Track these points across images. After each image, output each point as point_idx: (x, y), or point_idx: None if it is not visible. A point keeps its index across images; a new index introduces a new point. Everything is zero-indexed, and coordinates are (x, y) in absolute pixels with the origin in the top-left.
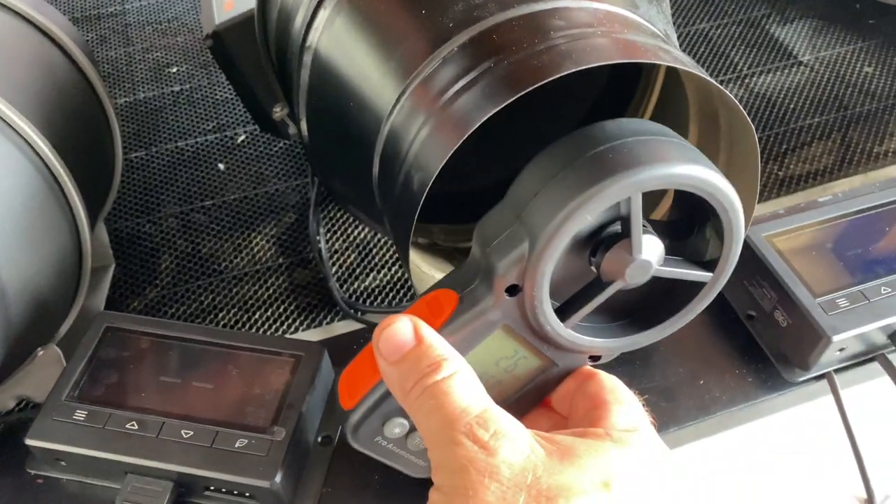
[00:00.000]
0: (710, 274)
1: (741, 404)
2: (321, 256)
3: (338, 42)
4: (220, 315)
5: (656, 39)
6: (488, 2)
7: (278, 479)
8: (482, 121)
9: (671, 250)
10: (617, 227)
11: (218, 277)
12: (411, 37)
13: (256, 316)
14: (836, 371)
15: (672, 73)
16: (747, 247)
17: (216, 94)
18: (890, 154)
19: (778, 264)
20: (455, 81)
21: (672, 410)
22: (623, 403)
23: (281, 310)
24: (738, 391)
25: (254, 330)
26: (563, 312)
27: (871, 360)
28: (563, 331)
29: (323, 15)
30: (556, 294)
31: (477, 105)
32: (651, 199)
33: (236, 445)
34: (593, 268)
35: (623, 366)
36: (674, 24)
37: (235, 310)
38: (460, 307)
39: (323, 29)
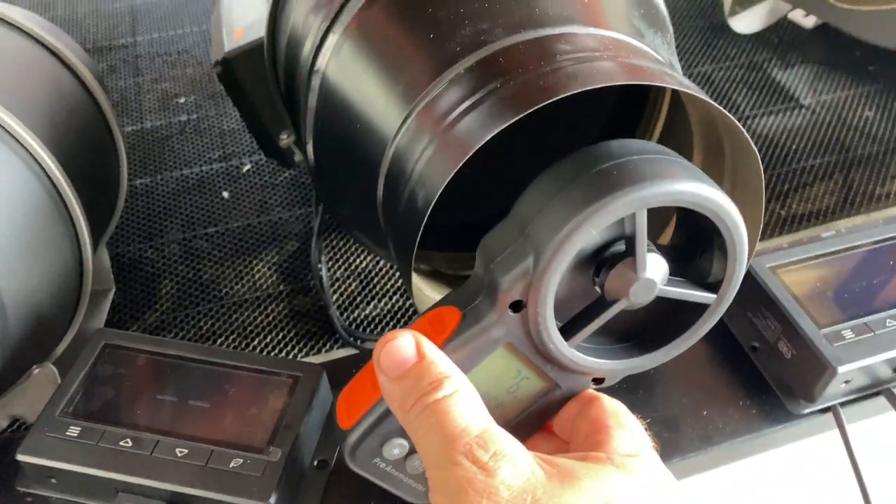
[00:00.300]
0: (714, 295)
1: (745, 436)
2: (322, 284)
3: (346, 66)
4: (220, 341)
5: (661, 66)
6: (495, 27)
7: (273, 500)
8: (486, 139)
9: (675, 273)
10: (621, 246)
11: (218, 303)
12: (418, 60)
13: (256, 342)
14: (842, 404)
15: (676, 103)
16: (751, 278)
17: (223, 125)
18: (892, 195)
19: (782, 295)
20: (460, 102)
21: (675, 441)
22: (626, 428)
23: (280, 336)
24: (742, 423)
25: None
26: (567, 331)
27: (877, 394)
28: (567, 350)
29: (332, 40)
30: (559, 313)
31: (481, 124)
32: (655, 224)
33: (231, 465)
34: (597, 287)
35: (626, 395)
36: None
37: (235, 336)
38: (463, 324)
39: (331, 54)
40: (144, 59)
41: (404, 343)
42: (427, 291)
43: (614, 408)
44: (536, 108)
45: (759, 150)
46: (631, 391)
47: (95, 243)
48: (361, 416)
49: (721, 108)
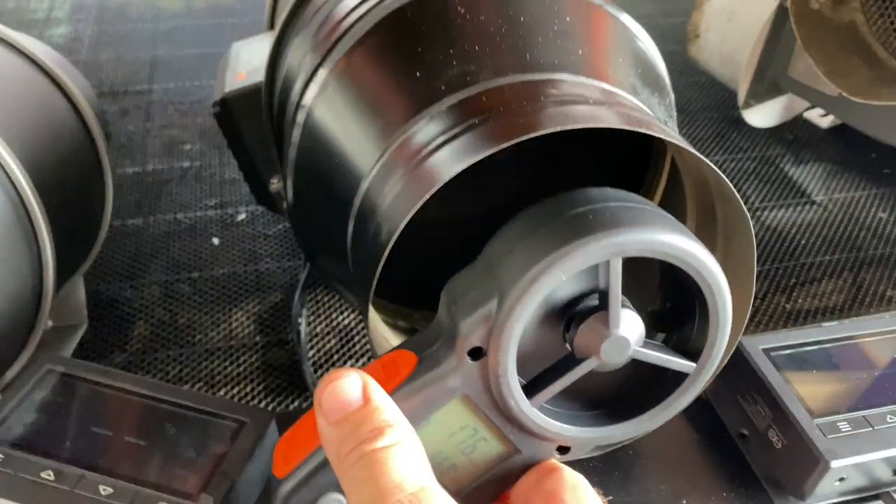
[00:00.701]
0: (693, 364)
1: None
2: (299, 338)
3: (331, 102)
4: (184, 388)
5: (651, 118)
6: (483, 69)
7: None
8: (457, 171)
9: (654, 339)
10: (595, 300)
11: (190, 349)
12: (402, 98)
13: (222, 392)
14: None
15: (675, 172)
16: (743, 359)
17: (224, 174)
18: None
19: (775, 379)
20: (436, 138)
21: None
22: None
23: (249, 389)
24: None
25: None
26: (531, 389)
27: (876, 497)
28: (529, 409)
29: (321, 75)
30: (525, 369)
31: (453, 157)
32: (641, 289)
33: None
34: (567, 343)
35: (599, 475)
36: None
37: (201, 384)
38: (417, 370)
39: (319, 89)
40: (157, 106)
41: (350, 384)
42: (387, 336)
43: (574, 481)
44: (513, 143)
45: (767, 242)
46: (605, 471)
47: (66, 271)
48: (298, 464)
49: (713, 166)
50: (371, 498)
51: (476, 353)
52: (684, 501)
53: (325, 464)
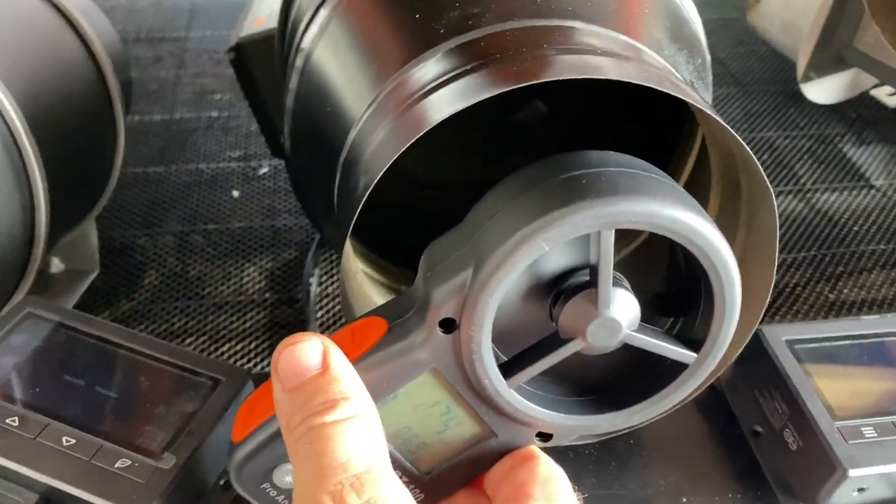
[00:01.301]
0: (694, 354)
1: None
2: (308, 297)
3: (328, 45)
4: (188, 340)
5: (670, 77)
6: (487, 12)
7: None
8: (436, 121)
9: (655, 324)
10: (587, 275)
11: (197, 302)
12: (399, 41)
13: (225, 347)
14: None
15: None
16: (762, 350)
17: (251, 126)
18: None
19: (795, 374)
20: (427, 85)
21: None
22: (552, 502)
23: (252, 346)
24: None
25: None
26: (509, 368)
27: None
28: (505, 390)
29: (321, 17)
30: (506, 346)
31: (438, 106)
32: (650, 270)
33: (116, 465)
34: (553, 321)
35: (595, 464)
36: (738, 129)
37: (205, 338)
38: (386, 338)
39: (318, 32)
40: (191, 54)
41: (309, 349)
42: (375, 300)
43: (547, 473)
44: (500, 91)
45: (815, 227)
46: (601, 460)
47: (74, 217)
48: (253, 431)
49: (734, 133)
50: (312, 477)
51: (448, 325)
52: (685, 499)
53: (280, 432)
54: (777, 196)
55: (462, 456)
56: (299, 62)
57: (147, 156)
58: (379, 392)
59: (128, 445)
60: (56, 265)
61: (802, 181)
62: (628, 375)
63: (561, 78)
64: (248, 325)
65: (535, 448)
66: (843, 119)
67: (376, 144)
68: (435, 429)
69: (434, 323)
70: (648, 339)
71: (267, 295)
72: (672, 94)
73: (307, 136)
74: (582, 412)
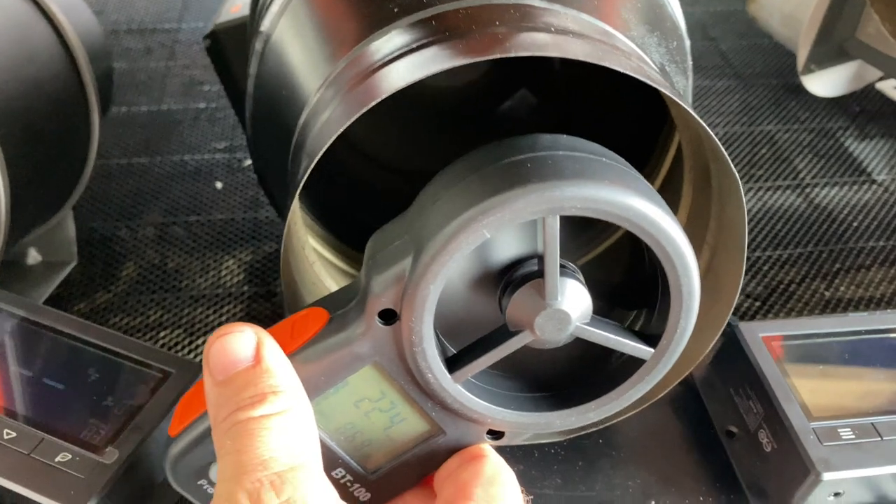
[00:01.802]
0: (650, 349)
1: None
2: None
3: (285, 26)
4: (162, 333)
5: (630, 58)
6: None
7: None
8: (384, 96)
9: (613, 317)
10: (536, 265)
11: (174, 294)
12: (353, 21)
13: (200, 341)
14: None
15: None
16: (738, 347)
17: (237, 118)
18: None
19: (771, 372)
20: (380, 60)
21: None
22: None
23: None
24: None
25: (191, 356)
26: (455, 363)
27: None
28: (451, 385)
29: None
30: (455, 338)
31: (390, 79)
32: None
33: (56, 460)
34: (502, 313)
35: (560, 464)
36: (737, 122)
37: (180, 331)
38: (325, 330)
39: (277, 13)
40: (182, 45)
41: (241, 341)
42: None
43: (492, 474)
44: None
45: (815, 222)
46: (567, 460)
47: (47, 207)
48: (189, 424)
49: (699, 118)
50: (232, 474)
51: (388, 317)
52: (653, 502)
53: None
54: (775, 191)
55: (410, 454)
56: (258, 45)
57: (132, 147)
58: (316, 386)
59: (70, 439)
60: (33, 256)
61: (802, 175)
62: (584, 371)
63: (504, 56)
64: (224, 318)
65: (486, 447)
66: (846, 112)
67: (322, 122)
68: (380, 425)
69: (373, 314)
70: (601, 332)
71: (245, 288)
72: (619, 70)
73: (265, 121)
74: (535, 409)
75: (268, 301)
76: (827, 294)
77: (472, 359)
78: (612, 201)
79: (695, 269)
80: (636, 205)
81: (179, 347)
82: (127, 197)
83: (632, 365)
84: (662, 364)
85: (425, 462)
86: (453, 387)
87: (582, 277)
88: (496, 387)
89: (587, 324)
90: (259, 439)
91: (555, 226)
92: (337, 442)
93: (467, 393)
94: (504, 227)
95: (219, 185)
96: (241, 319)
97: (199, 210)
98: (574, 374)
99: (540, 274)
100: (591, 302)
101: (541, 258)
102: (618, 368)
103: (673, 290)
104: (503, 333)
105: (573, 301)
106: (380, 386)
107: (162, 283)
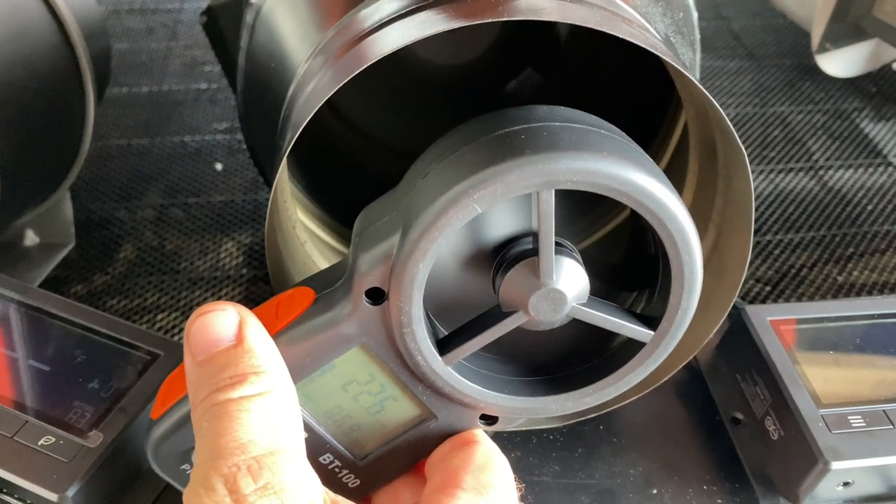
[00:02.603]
0: (650, 332)
1: None
2: None
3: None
4: (159, 316)
5: (642, 30)
6: None
7: (71, 493)
8: (372, 61)
9: (612, 300)
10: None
11: (172, 277)
12: None
13: None
14: None
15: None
16: (744, 331)
17: None
18: None
19: (779, 358)
20: (369, 27)
21: None
22: (482, 493)
23: None
24: None
25: None
26: (446, 344)
27: None
28: (441, 368)
29: None
30: (447, 319)
31: (378, 45)
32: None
33: (39, 443)
34: (496, 293)
35: (559, 451)
36: (749, 103)
37: (177, 313)
38: (311, 310)
39: None
40: (184, 26)
41: (223, 319)
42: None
43: (483, 461)
44: (422, 37)
45: (828, 206)
46: (566, 447)
47: (43, 187)
48: (170, 407)
49: (703, 88)
50: (208, 457)
51: (376, 296)
52: (655, 490)
53: None
54: (787, 173)
55: (401, 439)
56: (249, 18)
57: (132, 128)
58: (302, 368)
59: (54, 422)
60: (30, 238)
61: (815, 157)
62: (581, 355)
63: (497, 20)
64: (222, 300)
65: (478, 432)
66: (862, 93)
67: (309, 92)
68: (369, 409)
69: (360, 292)
70: (599, 313)
71: (244, 271)
72: (620, 36)
73: (256, 95)
74: (530, 393)
75: (266, 283)
76: (840, 279)
77: (463, 340)
78: (611, 174)
79: (697, 245)
80: (635, 178)
81: (177, 330)
82: (126, 178)
83: (631, 348)
84: (663, 347)
85: (416, 447)
86: (444, 370)
87: (579, 256)
88: (489, 370)
89: (584, 305)
90: (238, 422)
91: (550, 201)
92: (325, 426)
93: (459, 376)
94: (497, 201)
95: (219, 166)
96: (240, 303)
97: (199, 192)
98: (571, 357)
99: (535, 252)
100: (589, 282)
101: (536, 236)
102: (617, 352)
103: (674, 269)
104: (496, 314)
105: (569, 280)
106: (368, 368)
107: (160, 266)
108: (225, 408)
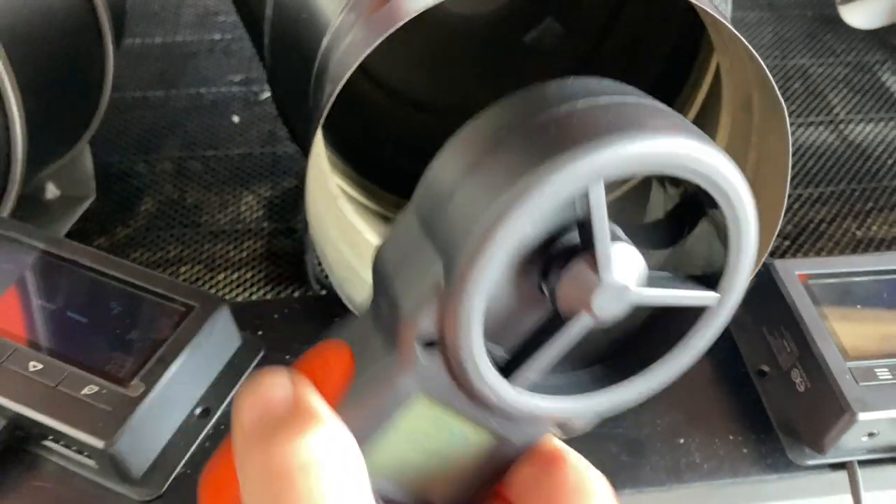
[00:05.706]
0: (716, 294)
1: (725, 479)
2: (307, 227)
3: None
4: (182, 269)
5: None
6: None
7: (116, 441)
8: (413, 15)
9: (653, 263)
10: (575, 235)
11: (194, 230)
12: None
13: (221, 277)
14: (862, 463)
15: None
16: (772, 285)
17: (254, 49)
18: None
19: (806, 311)
20: None
21: (635, 469)
22: None
23: (249, 276)
24: (726, 462)
25: (213, 291)
26: (510, 369)
27: None
28: (512, 396)
29: None
30: (499, 338)
31: (407, 1)
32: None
33: (83, 392)
34: (548, 296)
35: None
36: (769, 56)
37: (200, 266)
38: (356, 371)
39: None
40: None
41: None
42: (368, 235)
43: (578, 478)
44: None
45: (848, 160)
46: None
47: (64, 140)
48: None
49: (746, 42)
50: None
51: (428, 339)
52: (682, 440)
53: None
54: (808, 127)
55: (477, 473)
56: None
57: (147, 79)
58: (362, 434)
59: (96, 372)
60: (51, 191)
61: (836, 111)
62: (636, 332)
63: None
64: (244, 254)
65: (560, 445)
66: (885, 46)
67: (345, 46)
68: (439, 454)
69: (410, 340)
70: (664, 292)
71: (265, 224)
72: None
73: (285, 48)
74: (597, 387)
75: (288, 237)
76: (858, 234)
77: (528, 360)
78: (668, 153)
79: (754, 215)
80: (693, 151)
81: (200, 283)
82: (143, 131)
83: (689, 315)
84: (725, 309)
85: (491, 476)
86: (515, 397)
87: (624, 235)
88: (552, 375)
89: (644, 287)
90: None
91: (600, 192)
92: (393, 485)
93: (531, 399)
94: (550, 209)
95: (235, 118)
96: (262, 256)
97: (217, 144)
98: (621, 337)
99: (585, 246)
100: (644, 262)
101: (581, 225)
102: (673, 319)
103: (731, 232)
104: (557, 323)
105: (627, 268)
106: (434, 412)
107: (181, 219)
108: (290, 478)
